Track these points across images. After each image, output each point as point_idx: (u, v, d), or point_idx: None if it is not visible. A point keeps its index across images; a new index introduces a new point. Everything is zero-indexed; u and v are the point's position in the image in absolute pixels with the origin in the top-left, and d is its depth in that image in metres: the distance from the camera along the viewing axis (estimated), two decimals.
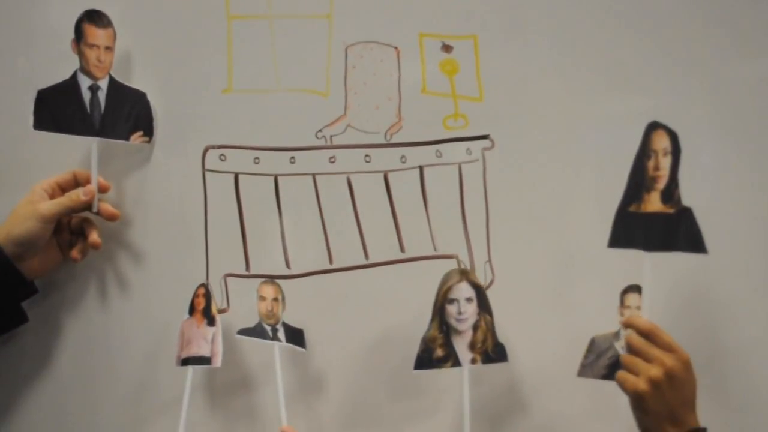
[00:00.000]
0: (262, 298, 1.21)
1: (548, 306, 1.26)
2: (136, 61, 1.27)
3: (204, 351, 1.20)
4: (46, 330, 1.28)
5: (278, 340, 1.20)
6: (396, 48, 1.27)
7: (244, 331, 1.20)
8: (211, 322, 1.21)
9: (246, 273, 1.27)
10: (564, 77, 1.27)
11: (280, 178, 1.27)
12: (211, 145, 1.27)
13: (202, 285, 1.23)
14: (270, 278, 1.23)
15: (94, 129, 1.25)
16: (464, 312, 1.17)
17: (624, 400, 1.10)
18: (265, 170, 1.27)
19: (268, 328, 1.20)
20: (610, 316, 1.20)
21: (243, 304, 1.25)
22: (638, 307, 1.16)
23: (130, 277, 1.28)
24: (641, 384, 1.07)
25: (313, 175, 1.27)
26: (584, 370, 1.20)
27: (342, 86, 1.27)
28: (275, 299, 1.21)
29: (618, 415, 1.13)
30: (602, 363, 1.19)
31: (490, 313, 1.18)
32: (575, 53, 1.27)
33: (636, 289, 1.17)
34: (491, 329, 1.18)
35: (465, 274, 1.18)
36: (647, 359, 1.08)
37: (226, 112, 1.27)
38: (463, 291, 1.17)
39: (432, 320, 1.17)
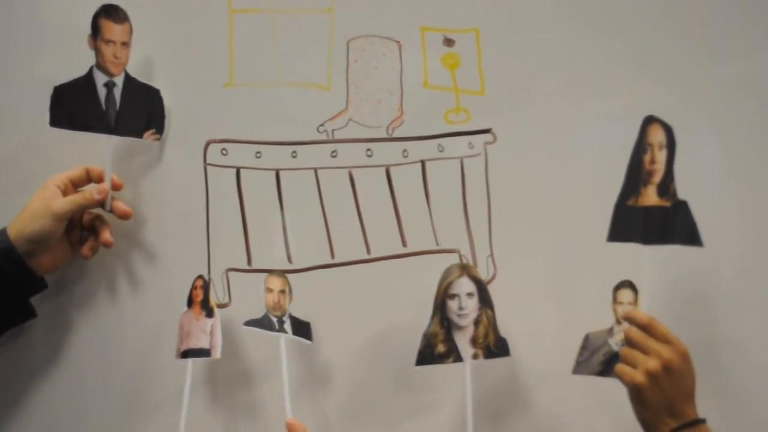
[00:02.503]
0: (269, 290, 1.23)
1: (551, 300, 1.30)
2: (138, 55, 1.29)
3: (203, 343, 1.23)
4: (55, 325, 1.32)
5: (284, 332, 1.22)
6: (398, 42, 1.31)
7: (251, 323, 1.22)
8: (210, 314, 1.24)
9: (248, 267, 1.30)
10: (566, 71, 1.30)
11: (281, 173, 1.30)
12: (212, 139, 1.30)
13: (200, 277, 1.26)
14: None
15: (109, 126, 1.27)
16: (465, 307, 1.20)
17: (624, 393, 1.13)
18: (267, 165, 1.30)
19: (275, 320, 1.22)
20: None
21: (245, 299, 1.28)
22: (631, 303, 1.20)
23: (136, 272, 1.31)
24: (639, 376, 1.10)
25: (315, 170, 1.31)
26: (579, 367, 1.23)
27: (344, 80, 1.31)
28: (282, 291, 1.23)
29: (620, 409, 1.15)
30: (597, 360, 1.22)
31: (492, 308, 1.21)
32: (576, 47, 1.30)
33: (628, 284, 1.21)
34: (493, 324, 1.21)
35: (466, 269, 1.21)
36: (645, 352, 1.11)
37: (227, 107, 1.31)
38: (463, 286, 1.20)
39: (433, 316, 1.20)
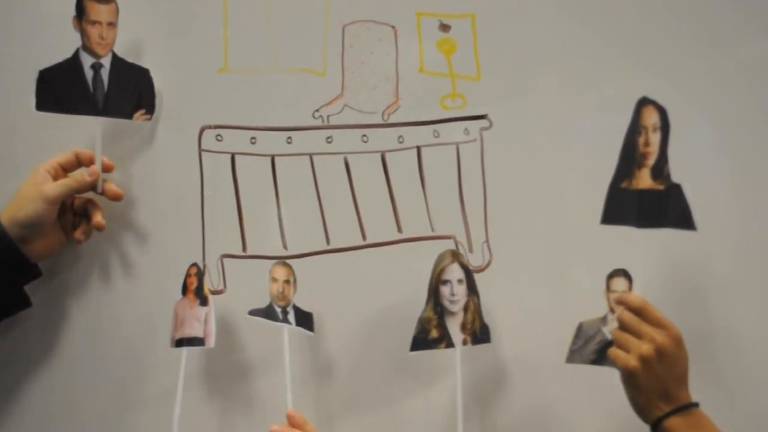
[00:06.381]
0: (274, 280, 1.24)
1: (546, 286, 1.32)
2: (132, 40, 1.32)
3: (197, 332, 1.24)
4: (49, 313, 1.34)
5: (288, 322, 1.24)
6: (393, 27, 1.33)
7: (256, 312, 1.24)
8: (204, 302, 1.25)
9: (243, 254, 1.32)
10: (562, 57, 1.32)
11: (276, 159, 1.33)
12: (207, 125, 1.32)
13: (194, 264, 1.27)
14: (267, 258, 1.29)
15: (97, 108, 1.29)
16: (456, 293, 1.23)
17: (616, 381, 1.16)
18: (262, 150, 1.32)
19: (279, 310, 1.24)
20: None
21: (240, 285, 1.31)
22: (624, 292, 1.21)
23: (130, 259, 1.34)
24: (632, 360, 1.12)
25: (310, 156, 1.33)
26: (573, 356, 1.25)
27: (339, 66, 1.33)
28: (287, 281, 1.24)
29: (613, 395, 1.18)
30: (590, 348, 1.24)
31: (477, 295, 1.24)
32: (572, 32, 1.32)
33: (622, 273, 1.23)
34: (478, 311, 1.24)
35: (456, 256, 1.24)
36: (638, 336, 1.13)
37: (222, 92, 1.33)
38: (455, 272, 1.23)
39: (427, 301, 1.23)
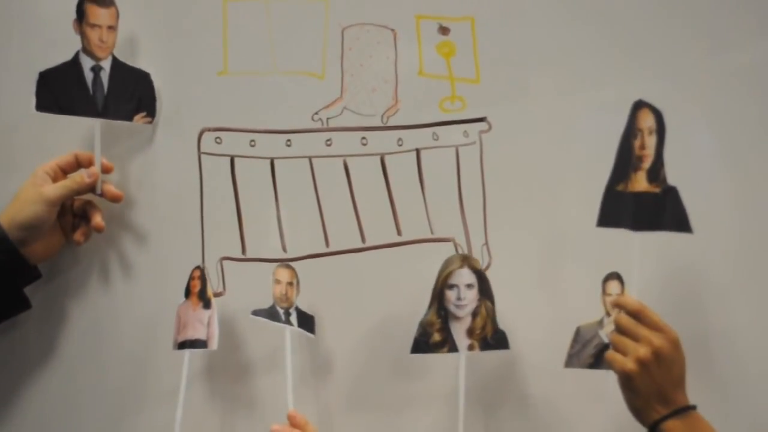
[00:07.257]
0: (278, 282, 1.26)
1: (545, 289, 1.33)
2: (132, 43, 1.33)
3: (200, 334, 1.26)
4: (50, 315, 1.35)
5: (290, 324, 1.26)
6: (393, 30, 1.33)
7: (258, 313, 1.25)
8: (207, 304, 1.27)
9: (242, 257, 1.33)
10: (560, 60, 1.33)
11: (276, 162, 1.34)
12: (206, 127, 1.33)
13: (198, 267, 1.29)
14: (267, 261, 1.30)
15: (96, 110, 1.30)
16: (464, 298, 1.23)
17: (615, 384, 1.16)
18: (261, 153, 1.33)
19: (281, 312, 1.26)
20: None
21: (239, 288, 1.32)
22: (619, 295, 1.23)
23: (130, 261, 1.35)
24: (629, 364, 1.13)
25: (310, 158, 1.34)
26: (571, 360, 1.26)
27: (338, 68, 1.33)
28: (290, 283, 1.26)
29: (611, 399, 1.19)
30: (588, 352, 1.25)
31: (492, 300, 1.24)
32: (571, 36, 1.33)
33: (616, 276, 1.24)
34: (491, 316, 1.24)
35: (467, 260, 1.24)
36: (635, 339, 1.14)
37: (221, 95, 1.34)
38: (463, 277, 1.23)
39: (430, 305, 1.24)
